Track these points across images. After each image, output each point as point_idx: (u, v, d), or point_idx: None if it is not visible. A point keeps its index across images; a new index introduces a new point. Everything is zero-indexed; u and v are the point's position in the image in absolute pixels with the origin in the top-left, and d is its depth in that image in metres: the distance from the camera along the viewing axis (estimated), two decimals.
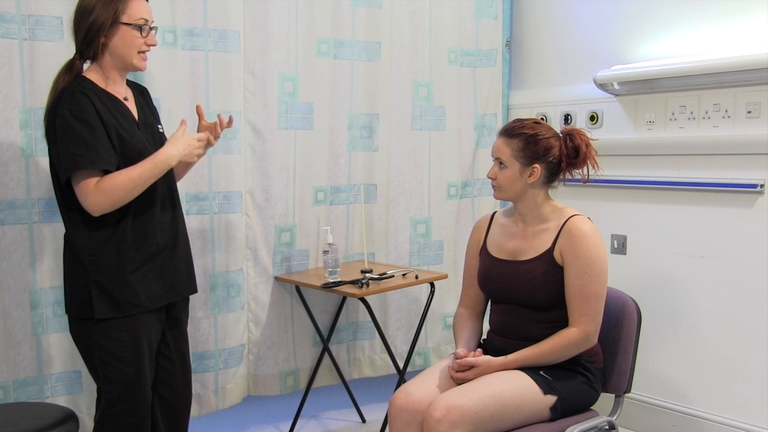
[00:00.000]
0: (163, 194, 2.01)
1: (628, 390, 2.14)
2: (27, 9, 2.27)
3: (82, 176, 1.83)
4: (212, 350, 2.73)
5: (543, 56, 3.27)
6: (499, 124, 3.15)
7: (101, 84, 1.93)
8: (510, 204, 2.22)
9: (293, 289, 2.92)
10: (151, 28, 1.96)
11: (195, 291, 2.16)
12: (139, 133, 1.97)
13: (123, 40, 1.91)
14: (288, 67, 2.81)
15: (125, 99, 1.99)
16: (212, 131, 2.11)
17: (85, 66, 1.97)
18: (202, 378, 2.70)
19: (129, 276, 1.91)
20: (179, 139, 1.97)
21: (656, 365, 2.85)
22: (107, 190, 1.84)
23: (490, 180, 2.14)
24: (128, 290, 1.91)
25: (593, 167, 2.11)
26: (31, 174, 2.33)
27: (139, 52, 1.94)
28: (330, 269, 2.71)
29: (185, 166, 2.17)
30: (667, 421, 2.82)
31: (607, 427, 2.06)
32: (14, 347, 2.34)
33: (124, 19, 1.89)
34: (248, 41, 2.71)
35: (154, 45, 1.98)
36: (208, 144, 2.08)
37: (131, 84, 2.07)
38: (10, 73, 2.27)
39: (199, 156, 2.06)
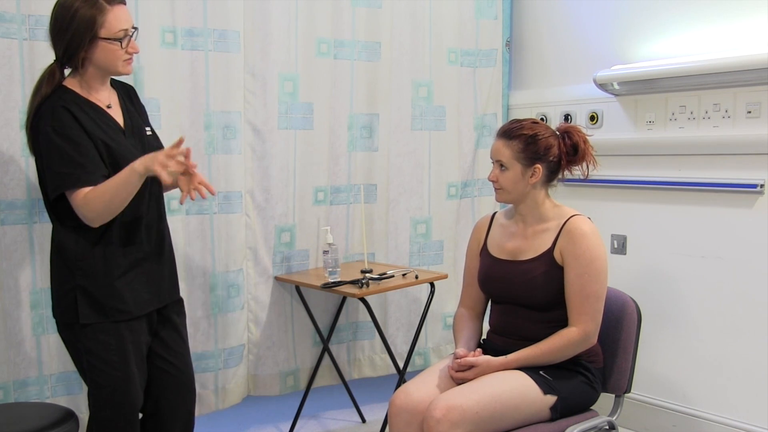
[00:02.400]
0: (149, 201, 1.98)
1: (628, 390, 2.14)
2: (27, 9, 2.26)
3: (73, 192, 1.82)
4: (212, 350, 2.73)
5: (543, 56, 3.27)
6: (500, 124, 3.14)
7: (83, 93, 1.89)
8: (510, 204, 2.22)
9: (293, 289, 2.92)
10: (133, 29, 1.89)
11: (177, 297, 2.14)
12: (126, 140, 1.94)
13: (104, 54, 1.85)
14: (288, 67, 2.81)
15: (108, 107, 1.94)
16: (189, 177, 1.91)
17: (67, 71, 1.92)
18: (201, 378, 2.70)
19: (116, 281, 1.90)
20: (152, 154, 1.81)
21: (656, 365, 2.85)
22: (90, 202, 1.81)
23: (492, 182, 2.13)
24: (115, 296, 1.89)
25: (591, 164, 2.11)
26: (31, 174, 2.32)
27: (123, 60, 1.89)
28: (330, 269, 2.71)
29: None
30: (667, 421, 2.82)
31: (607, 427, 2.06)
32: (14, 347, 2.34)
33: (103, 33, 1.83)
34: (248, 41, 2.71)
35: (136, 52, 1.92)
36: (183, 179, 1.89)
37: (116, 84, 2.02)
38: (11, 73, 2.26)
39: (159, 171, 1.78)
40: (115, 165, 1.87)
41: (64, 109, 1.82)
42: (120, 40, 1.86)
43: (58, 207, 1.88)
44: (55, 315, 1.96)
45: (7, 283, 2.32)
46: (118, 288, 1.90)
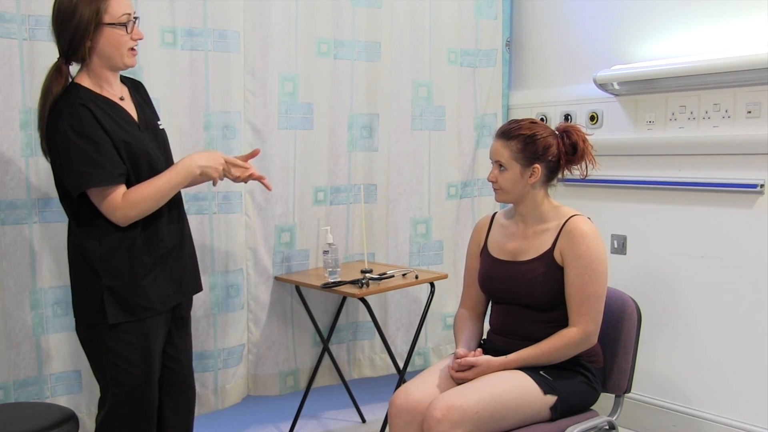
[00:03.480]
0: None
1: (628, 390, 2.14)
2: (27, 9, 2.26)
3: (102, 192, 1.81)
4: (212, 350, 2.73)
5: (543, 56, 3.27)
6: (500, 124, 3.14)
7: (96, 89, 1.88)
8: (510, 205, 2.22)
9: (293, 289, 2.92)
10: (134, 18, 1.89)
11: (200, 289, 2.17)
12: (141, 134, 1.93)
13: (109, 41, 1.85)
14: (288, 67, 2.81)
15: (121, 99, 1.93)
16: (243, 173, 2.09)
17: (72, 68, 1.90)
18: (201, 378, 2.70)
19: (141, 280, 1.90)
20: (211, 153, 2.00)
21: (656, 365, 2.85)
22: (136, 203, 1.84)
23: (491, 183, 2.13)
24: (140, 294, 1.90)
25: (591, 164, 2.11)
26: (31, 174, 2.32)
27: (128, 50, 1.89)
28: (330, 269, 2.71)
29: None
30: (667, 421, 2.82)
31: (607, 427, 2.06)
32: (14, 347, 2.34)
33: (107, 19, 1.83)
34: (248, 41, 2.71)
35: (141, 38, 1.92)
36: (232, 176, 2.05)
37: (125, 80, 2.01)
38: (10, 73, 2.26)
39: (216, 178, 2.00)
40: (133, 161, 1.87)
41: (83, 106, 1.81)
42: (125, 25, 1.86)
43: (79, 207, 1.87)
44: (76, 315, 1.95)
45: (7, 283, 2.32)
46: (144, 286, 1.90)
